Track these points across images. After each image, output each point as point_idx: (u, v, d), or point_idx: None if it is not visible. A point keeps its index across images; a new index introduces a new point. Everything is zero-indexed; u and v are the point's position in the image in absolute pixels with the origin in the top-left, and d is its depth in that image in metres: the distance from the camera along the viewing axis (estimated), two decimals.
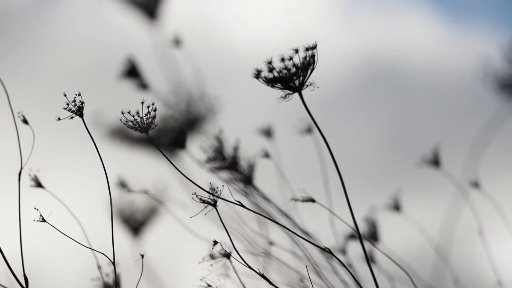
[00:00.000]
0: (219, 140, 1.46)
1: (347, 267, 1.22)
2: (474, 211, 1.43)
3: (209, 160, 1.44)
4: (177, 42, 1.66)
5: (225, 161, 1.46)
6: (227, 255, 1.14)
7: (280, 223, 1.16)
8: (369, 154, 2.21)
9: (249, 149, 1.49)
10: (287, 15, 2.71)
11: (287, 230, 1.22)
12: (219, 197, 1.06)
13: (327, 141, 1.08)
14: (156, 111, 1.05)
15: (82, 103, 1.07)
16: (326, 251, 1.16)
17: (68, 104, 1.07)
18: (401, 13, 2.89)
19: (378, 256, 1.60)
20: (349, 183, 2.06)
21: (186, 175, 1.09)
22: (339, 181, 1.12)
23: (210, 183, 1.08)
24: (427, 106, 2.26)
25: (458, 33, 2.88)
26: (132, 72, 1.58)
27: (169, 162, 1.03)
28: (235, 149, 1.43)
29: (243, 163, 1.48)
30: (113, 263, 1.13)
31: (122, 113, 1.05)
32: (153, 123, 1.06)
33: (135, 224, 1.18)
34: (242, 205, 1.10)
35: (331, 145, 2.19)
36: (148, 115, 1.06)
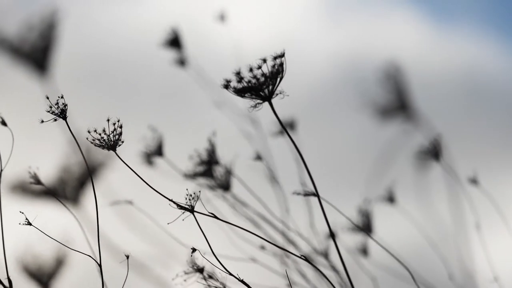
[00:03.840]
0: (211, 144, 1.45)
1: (322, 272, 1.22)
2: (472, 206, 1.42)
3: (197, 166, 1.43)
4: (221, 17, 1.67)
5: (211, 166, 1.45)
6: (200, 270, 1.13)
7: (255, 232, 1.16)
8: (355, 153, 2.22)
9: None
10: (272, 16, 2.71)
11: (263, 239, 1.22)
12: (191, 210, 1.06)
13: (297, 147, 1.07)
14: (122, 128, 1.03)
15: (65, 105, 1.03)
16: (302, 258, 1.15)
17: (51, 107, 1.03)
18: (386, 14, 2.90)
19: (373, 248, 1.59)
20: (335, 181, 2.06)
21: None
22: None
23: (187, 189, 1.08)
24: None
25: (443, 33, 2.89)
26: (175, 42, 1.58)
27: (139, 178, 1.02)
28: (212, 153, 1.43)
29: (222, 169, 1.47)
30: (99, 265, 1.12)
31: (89, 131, 1.03)
32: (120, 139, 1.05)
33: (43, 277, 1.17)
34: (215, 217, 1.10)
35: (318, 145, 2.18)
36: (115, 132, 1.04)
